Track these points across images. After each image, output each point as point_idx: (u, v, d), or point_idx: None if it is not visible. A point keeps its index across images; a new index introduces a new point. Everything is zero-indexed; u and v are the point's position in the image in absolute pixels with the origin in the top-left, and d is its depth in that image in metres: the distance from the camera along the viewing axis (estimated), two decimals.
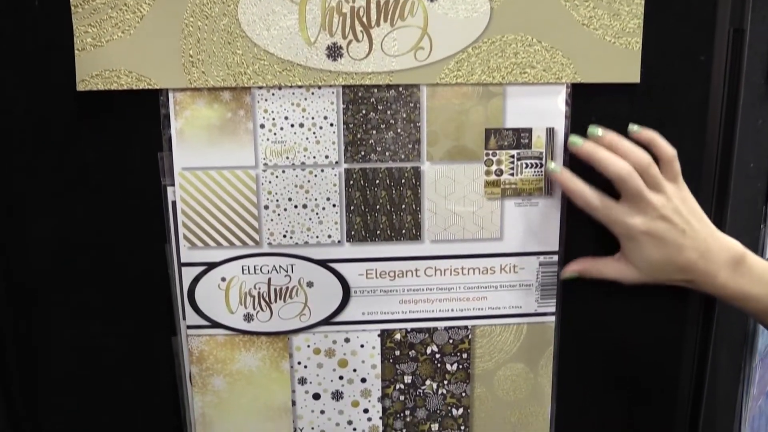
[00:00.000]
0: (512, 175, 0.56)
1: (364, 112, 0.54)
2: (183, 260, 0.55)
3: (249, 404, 0.58)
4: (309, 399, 0.59)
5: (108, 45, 0.51)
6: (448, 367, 0.59)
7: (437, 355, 0.59)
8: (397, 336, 0.58)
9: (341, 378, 0.59)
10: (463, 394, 0.60)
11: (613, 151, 0.52)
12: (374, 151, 0.54)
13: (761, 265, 0.53)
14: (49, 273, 0.55)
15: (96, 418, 0.58)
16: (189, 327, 0.56)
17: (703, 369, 0.61)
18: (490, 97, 0.54)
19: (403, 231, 0.56)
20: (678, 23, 0.54)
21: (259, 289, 0.56)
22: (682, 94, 0.55)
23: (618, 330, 0.60)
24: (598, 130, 0.53)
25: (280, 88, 0.53)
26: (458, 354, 0.59)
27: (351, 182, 0.55)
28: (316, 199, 0.55)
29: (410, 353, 0.58)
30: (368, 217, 0.56)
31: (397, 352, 0.58)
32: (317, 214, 0.55)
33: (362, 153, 0.54)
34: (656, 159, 0.53)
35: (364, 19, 0.52)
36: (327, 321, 0.57)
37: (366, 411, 0.59)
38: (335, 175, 0.55)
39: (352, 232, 0.56)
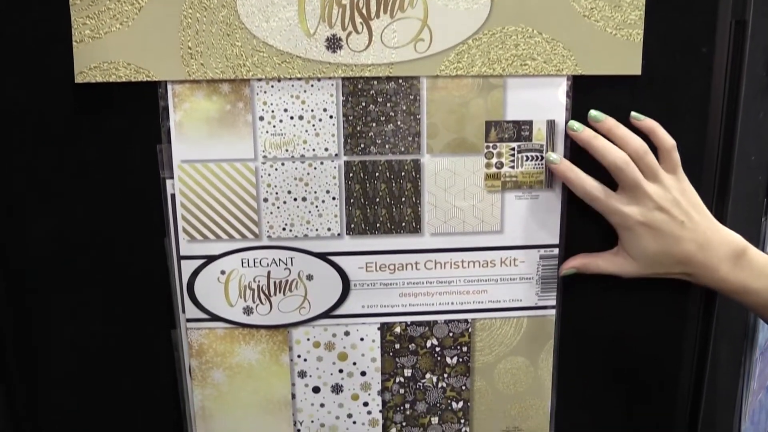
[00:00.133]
0: (513, 167, 0.55)
1: (363, 104, 0.53)
2: (182, 253, 0.55)
3: (249, 397, 0.58)
4: (309, 392, 0.59)
5: (106, 37, 0.51)
6: (448, 360, 0.59)
7: (437, 349, 0.59)
8: (397, 329, 0.58)
9: (341, 371, 0.58)
10: (463, 388, 0.60)
11: (611, 137, 0.53)
12: (374, 143, 0.54)
13: (762, 259, 0.53)
14: (47, 265, 0.55)
15: (95, 411, 0.58)
16: (188, 320, 0.56)
17: (704, 362, 0.61)
18: (491, 89, 0.54)
19: (403, 224, 0.56)
20: (679, 15, 0.53)
21: (259, 282, 0.56)
22: (684, 86, 0.55)
23: (618, 323, 0.59)
24: (598, 115, 0.53)
25: (279, 80, 0.53)
26: (458, 347, 0.59)
27: (351, 175, 0.55)
28: (315, 192, 0.55)
29: (410, 346, 0.58)
30: (368, 210, 0.55)
31: (397, 346, 0.58)
32: (317, 207, 0.55)
33: (362, 145, 0.54)
34: (656, 150, 0.53)
35: (364, 11, 0.51)
36: (327, 314, 0.57)
37: (366, 404, 0.59)
38: (335, 167, 0.54)
39: (352, 225, 0.56)
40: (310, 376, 0.58)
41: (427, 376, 0.59)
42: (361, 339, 0.58)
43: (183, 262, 0.55)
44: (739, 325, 0.66)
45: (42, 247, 0.55)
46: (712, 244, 0.53)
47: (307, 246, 0.56)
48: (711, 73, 0.55)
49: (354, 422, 0.60)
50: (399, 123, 0.54)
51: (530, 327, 0.59)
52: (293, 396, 0.59)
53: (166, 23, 0.51)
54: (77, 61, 0.51)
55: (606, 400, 0.61)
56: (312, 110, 0.53)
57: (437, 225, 0.56)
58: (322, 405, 0.59)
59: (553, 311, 0.59)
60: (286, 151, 0.54)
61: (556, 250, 0.57)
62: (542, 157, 0.55)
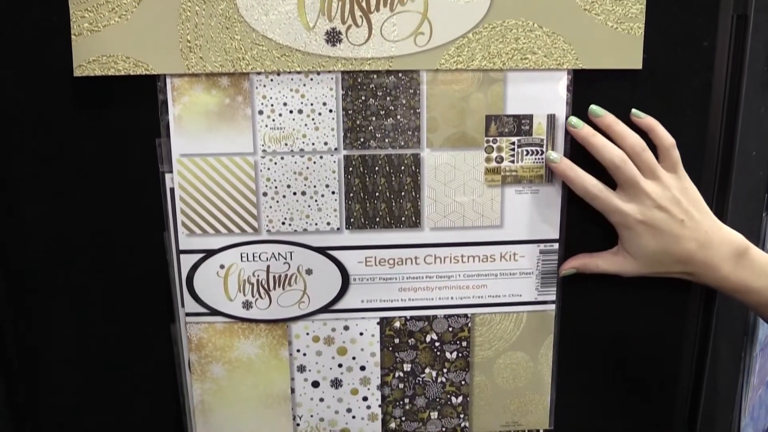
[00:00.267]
0: (513, 162, 0.55)
1: (363, 98, 0.53)
2: (181, 247, 0.55)
3: (248, 392, 0.58)
4: (308, 387, 0.59)
5: (105, 30, 0.50)
6: (448, 355, 0.59)
7: (437, 343, 0.58)
8: (397, 324, 0.58)
9: (340, 366, 0.58)
10: (463, 383, 0.60)
11: (610, 133, 0.52)
12: (374, 137, 0.54)
13: (763, 259, 0.53)
14: (46, 259, 0.55)
15: (95, 405, 0.58)
16: (188, 314, 0.56)
17: (703, 359, 0.61)
18: (491, 83, 0.53)
19: (403, 218, 0.56)
20: (681, 9, 0.53)
21: (258, 276, 0.56)
22: (685, 80, 0.54)
23: (618, 319, 0.59)
24: (598, 110, 0.53)
25: (278, 74, 0.52)
26: (458, 342, 0.59)
27: (350, 169, 0.54)
28: (315, 186, 0.55)
29: (410, 341, 0.58)
30: (368, 205, 0.55)
31: (397, 340, 0.58)
32: (316, 201, 0.55)
33: (362, 139, 0.54)
34: (655, 149, 0.53)
35: (364, 4, 0.51)
36: (326, 309, 0.57)
37: (365, 399, 0.59)
38: (334, 161, 0.54)
39: (352, 220, 0.55)
40: (310, 370, 0.58)
41: (427, 370, 0.59)
42: (361, 333, 0.58)
43: (182, 256, 0.55)
44: (739, 320, 0.66)
45: (40, 241, 0.55)
46: (713, 243, 0.53)
47: (306, 240, 0.55)
48: (712, 68, 0.54)
49: (353, 417, 0.60)
50: (399, 117, 0.54)
51: (530, 322, 0.59)
52: (292, 390, 0.59)
53: (165, 16, 0.50)
54: (76, 54, 0.50)
55: (605, 395, 0.61)
56: (311, 104, 0.53)
57: (437, 219, 0.56)
58: (321, 399, 0.59)
59: (553, 306, 0.58)
60: (286, 145, 0.54)
61: (556, 245, 0.57)
62: (542, 152, 0.55)
